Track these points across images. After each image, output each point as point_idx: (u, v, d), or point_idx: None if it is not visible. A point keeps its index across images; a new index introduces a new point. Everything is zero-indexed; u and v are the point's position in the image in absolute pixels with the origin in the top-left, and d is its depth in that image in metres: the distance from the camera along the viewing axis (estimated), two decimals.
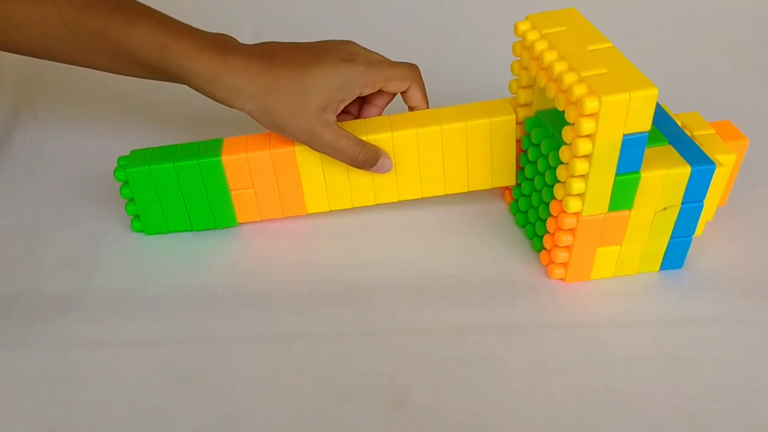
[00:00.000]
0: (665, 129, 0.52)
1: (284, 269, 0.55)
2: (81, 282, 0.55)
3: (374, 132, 0.54)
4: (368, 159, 0.54)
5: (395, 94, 0.57)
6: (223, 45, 0.52)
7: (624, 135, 0.46)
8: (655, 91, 0.44)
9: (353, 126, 0.55)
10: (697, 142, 0.54)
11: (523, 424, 0.45)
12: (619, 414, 0.46)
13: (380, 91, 0.56)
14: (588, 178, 0.47)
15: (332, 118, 0.52)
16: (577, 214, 0.50)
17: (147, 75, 0.53)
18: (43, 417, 0.46)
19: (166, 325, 0.51)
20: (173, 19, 0.52)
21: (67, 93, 0.75)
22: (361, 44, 0.55)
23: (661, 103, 0.55)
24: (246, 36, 0.75)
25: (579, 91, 0.45)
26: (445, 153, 0.56)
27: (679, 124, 0.56)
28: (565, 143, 0.48)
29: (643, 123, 0.46)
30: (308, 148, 0.54)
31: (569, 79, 0.46)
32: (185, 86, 0.53)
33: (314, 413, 0.46)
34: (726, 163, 0.53)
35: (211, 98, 0.52)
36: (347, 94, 0.53)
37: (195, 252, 0.57)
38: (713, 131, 0.55)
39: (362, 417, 0.46)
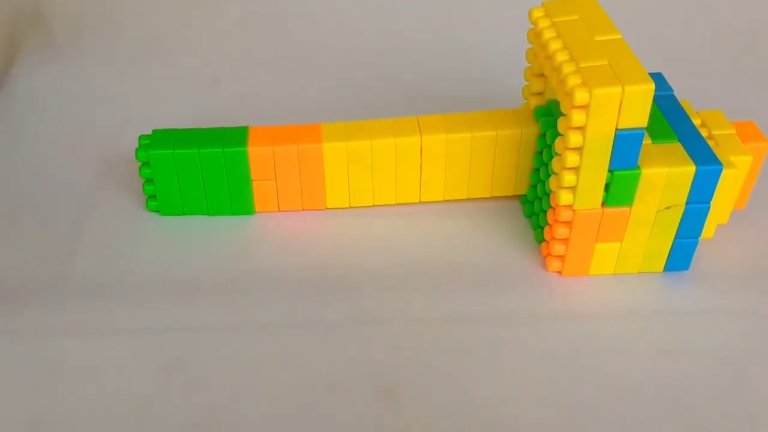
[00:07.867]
0: (678, 126, 0.51)
1: (271, 257, 0.54)
2: (62, 267, 0.53)
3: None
4: None
5: None
6: None
7: (617, 130, 0.45)
8: (650, 87, 0.43)
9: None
10: (713, 142, 0.53)
11: (514, 416, 0.44)
12: (611, 406, 0.45)
13: None
14: (579, 171, 0.47)
15: None
16: (572, 206, 0.49)
17: None
18: (25, 406, 0.45)
19: (149, 313, 0.50)
20: None
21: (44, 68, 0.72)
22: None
23: (681, 100, 0.54)
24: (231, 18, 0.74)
25: (572, 81, 0.44)
26: (473, 159, 0.56)
27: (698, 122, 0.54)
28: (560, 134, 0.47)
29: (639, 119, 0.44)
30: (337, 145, 0.54)
31: (566, 69, 0.45)
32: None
33: (302, 404, 0.45)
34: (740, 165, 0.51)
35: None
36: None
37: (179, 239, 0.56)
38: (733, 131, 0.53)
39: (351, 408, 0.45)
